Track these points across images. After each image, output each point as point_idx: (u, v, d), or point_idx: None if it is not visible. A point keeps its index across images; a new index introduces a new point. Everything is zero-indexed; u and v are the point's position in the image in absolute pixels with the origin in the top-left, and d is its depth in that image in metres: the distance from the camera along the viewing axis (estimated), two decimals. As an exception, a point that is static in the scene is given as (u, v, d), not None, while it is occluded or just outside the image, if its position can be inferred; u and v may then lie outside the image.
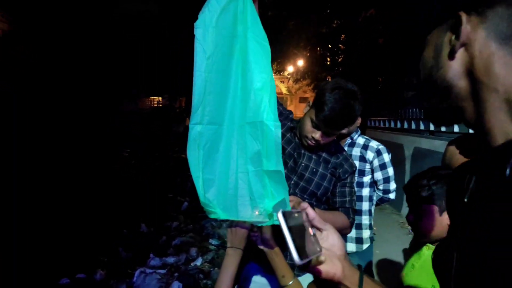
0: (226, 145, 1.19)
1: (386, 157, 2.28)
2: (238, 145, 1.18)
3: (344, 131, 1.98)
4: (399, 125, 6.51)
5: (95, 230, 4.82)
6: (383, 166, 2.28)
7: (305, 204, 0.75)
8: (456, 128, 4.51)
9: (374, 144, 2.29)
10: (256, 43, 1.17)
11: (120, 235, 4.87)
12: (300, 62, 12.96)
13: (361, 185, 2.30)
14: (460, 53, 0.53)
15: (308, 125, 1.53)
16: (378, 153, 2.27)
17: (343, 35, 8.88)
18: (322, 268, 0.66)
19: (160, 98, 20.82)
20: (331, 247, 0.69)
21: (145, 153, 11.34)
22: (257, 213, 1.13)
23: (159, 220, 5.52)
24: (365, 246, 2.30)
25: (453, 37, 0.54)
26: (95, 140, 9.99)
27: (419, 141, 5.46)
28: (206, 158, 1.18)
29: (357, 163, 2.21)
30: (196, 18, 1.19)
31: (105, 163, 8.92)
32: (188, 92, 20.04)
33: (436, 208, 1.24)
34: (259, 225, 1.14)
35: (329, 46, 9.10)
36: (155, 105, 21.46)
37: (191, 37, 1.17)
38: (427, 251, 1.27)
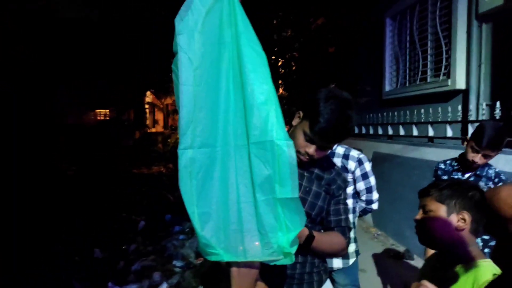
0: (223, 171, 1.00)
1: (368, 166, 2.20)
2: (238, 169, 0.99)
3: None
4: (357, 130, 6.63)
5: (42, 259, 4.32)
6: (365, 176, 2.19)
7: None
8: (415, 132, 4.63)
9: (354, 153, 2.20)
10: (252, 50, 1.00)
11: (71, 263, 4.39)
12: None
13: (343, 197, 2.19)
14: None
15: (300, 139, 1.38)
16: (360, 162, 2.18)
17: (296, 43, 8.99)
18: None
19: (108, 111, 19.81)
20: None
21: (92, 170, 10.59)
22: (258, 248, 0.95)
23: (114, 244, 5.08)
24: (351, 261, 2.19)
25: None
26: (33, 157, 9.19)
27: (378, 146, 5.57)
28: (200, 189, 0.98)
29: None
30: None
31: (47, 184, 8.21)
32: (137, 104, 19.28)
33: (444, 208, 1.19)
34: (272, 263, 0.96)
35: (284, 54, 9.17)
36: (102, 118, 20.32)
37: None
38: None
